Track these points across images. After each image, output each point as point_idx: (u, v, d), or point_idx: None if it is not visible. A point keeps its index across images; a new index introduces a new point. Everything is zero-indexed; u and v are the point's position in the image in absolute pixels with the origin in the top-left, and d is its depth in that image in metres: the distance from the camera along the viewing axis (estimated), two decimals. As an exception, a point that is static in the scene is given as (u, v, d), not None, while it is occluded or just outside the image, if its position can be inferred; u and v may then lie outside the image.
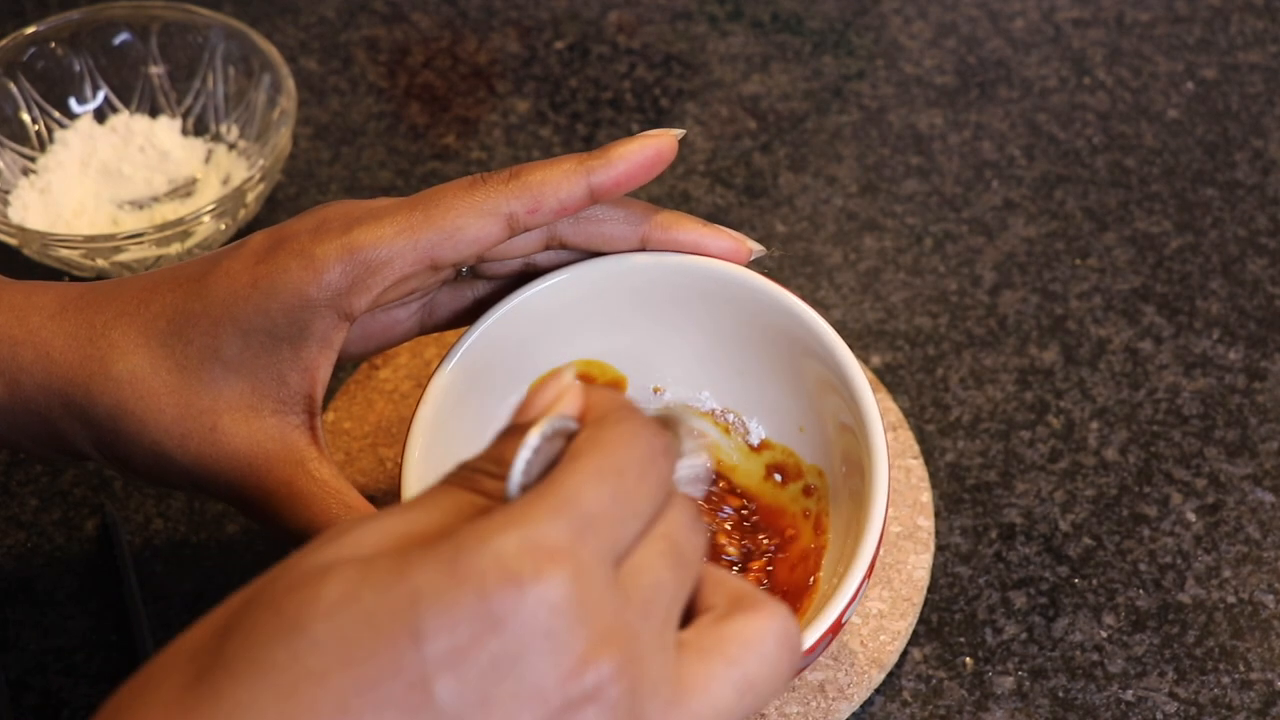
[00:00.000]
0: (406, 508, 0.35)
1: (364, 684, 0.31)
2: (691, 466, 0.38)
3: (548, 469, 0.35)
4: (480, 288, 0.53)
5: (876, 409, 0.51)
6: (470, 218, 0.48)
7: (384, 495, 0.61)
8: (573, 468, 0.35)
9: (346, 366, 0.65)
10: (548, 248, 0.52)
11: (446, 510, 0.35)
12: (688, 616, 0.37)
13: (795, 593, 0.54)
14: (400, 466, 0.51)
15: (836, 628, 0.48)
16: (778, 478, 0.57)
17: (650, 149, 0.49)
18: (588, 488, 0.34)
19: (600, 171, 0.48)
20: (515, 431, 0.37)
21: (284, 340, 0.48)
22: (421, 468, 0.51)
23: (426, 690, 0.31)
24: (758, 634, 0.36)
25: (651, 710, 0.34)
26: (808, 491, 0.55)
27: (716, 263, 0.53)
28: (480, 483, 0.36)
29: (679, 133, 0.50)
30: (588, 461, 0.35)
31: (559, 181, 0.48)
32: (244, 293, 0.48)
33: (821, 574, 0.53)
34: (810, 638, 0.47)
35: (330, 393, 0.64)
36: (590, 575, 0.33)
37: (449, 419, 0.52)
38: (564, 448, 0.36)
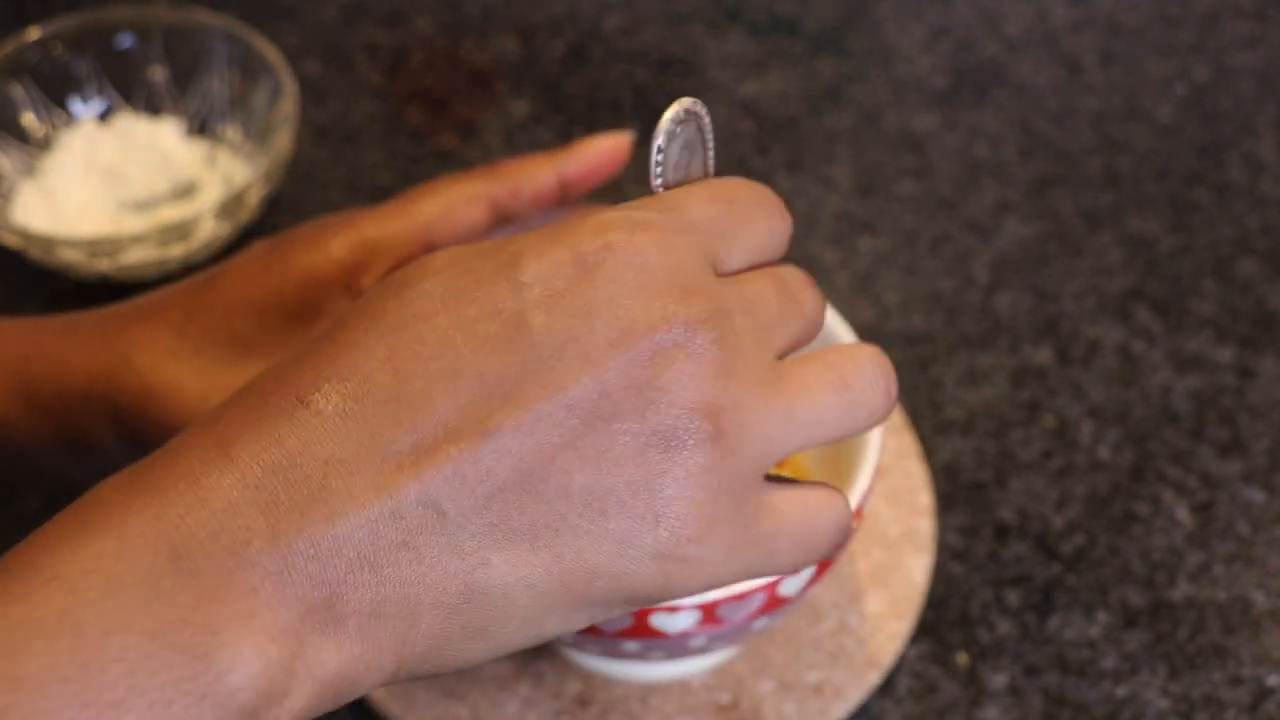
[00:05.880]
0: None
1: (465, 320, 0.34)
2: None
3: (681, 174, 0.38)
4: None
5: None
6: (460, 202, 0.52)
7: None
8: (688, 187, 0.38)
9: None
10: None
11: None
12: None
13: None
14: None
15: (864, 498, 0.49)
16: None
17: (608, 146, 0.54)
18: (695, 201, 0.37)
19: (567, 162, 0.54)
20: None
21: (297, 318, 0.50)
22: None
23: (523, 324, 0.34)
24: (854, 350, 0.38)
25: (744, 378, 0.35)
26: (780, 464, 0.57)
27: None
28: None
29: (628, 136, 0.55)
30: (701, 185, 0.38)
31: (533, 170, 0.53)
32: (257, 278, 0.50)
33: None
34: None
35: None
36: (681, 252, 0.35)
37: None
38: (696, 164, 0.39)
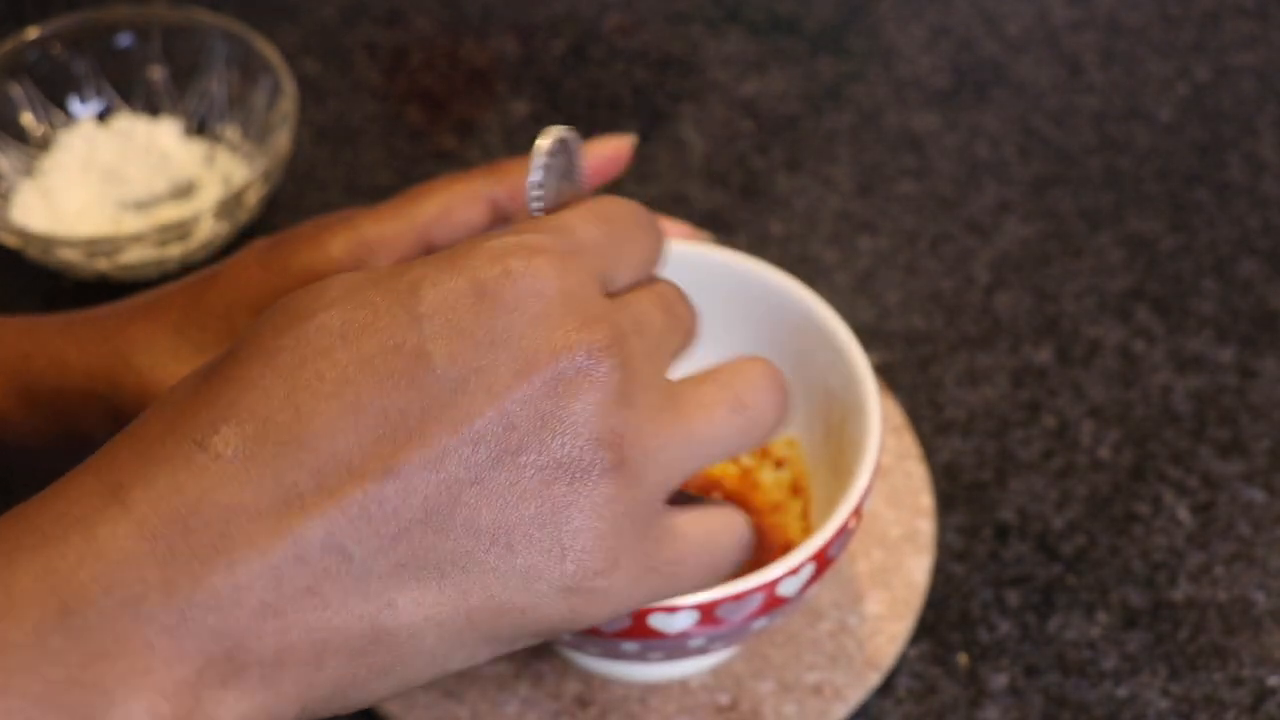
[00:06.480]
0: None
1: (364, 355, 0.33)
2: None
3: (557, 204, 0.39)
4: None
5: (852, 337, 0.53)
6: (459, 201, 0.51)
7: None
8: (571, 210, 0.38)
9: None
10: None
11: None
12: None
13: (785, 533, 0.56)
14: None
15: (857, 515, 0.49)
16: (745, 461, 0.58)
17: (609, 148, 0.53)
18: (580, 223, 0.37)
19: None
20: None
21: None
22: None
23: (424, 358, 0.33)
24: (746, 366, 0.38)
25: (644, 404, 0.35)
26: (779, 465, 0.57)
27: (676, 241, 0.54)
28: None
29: (630, 137, 0.54)
30: (583, 208, 0.38)
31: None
32: (255, 277, 0.50)
33: (813, 510, 0.55)
34: (829, 530, 0.48)
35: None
36: (577, 276, 0.35)
37: None
38: (569, 189, 0.40)
